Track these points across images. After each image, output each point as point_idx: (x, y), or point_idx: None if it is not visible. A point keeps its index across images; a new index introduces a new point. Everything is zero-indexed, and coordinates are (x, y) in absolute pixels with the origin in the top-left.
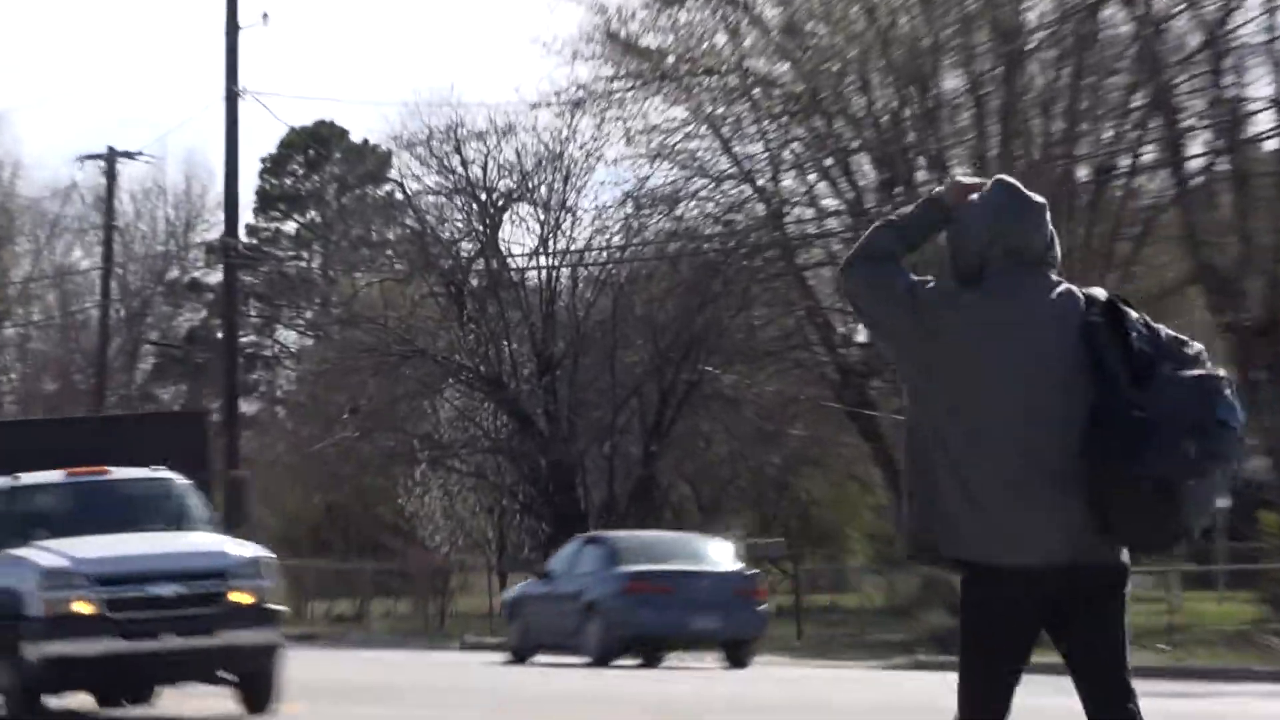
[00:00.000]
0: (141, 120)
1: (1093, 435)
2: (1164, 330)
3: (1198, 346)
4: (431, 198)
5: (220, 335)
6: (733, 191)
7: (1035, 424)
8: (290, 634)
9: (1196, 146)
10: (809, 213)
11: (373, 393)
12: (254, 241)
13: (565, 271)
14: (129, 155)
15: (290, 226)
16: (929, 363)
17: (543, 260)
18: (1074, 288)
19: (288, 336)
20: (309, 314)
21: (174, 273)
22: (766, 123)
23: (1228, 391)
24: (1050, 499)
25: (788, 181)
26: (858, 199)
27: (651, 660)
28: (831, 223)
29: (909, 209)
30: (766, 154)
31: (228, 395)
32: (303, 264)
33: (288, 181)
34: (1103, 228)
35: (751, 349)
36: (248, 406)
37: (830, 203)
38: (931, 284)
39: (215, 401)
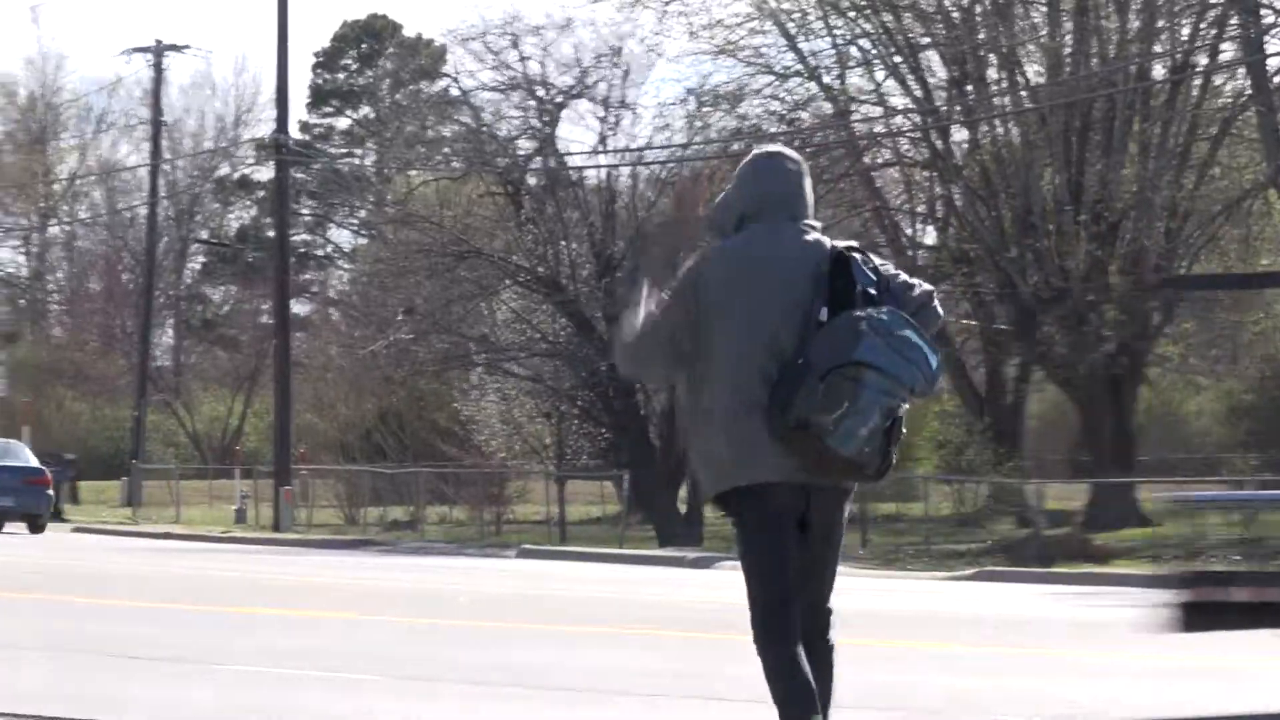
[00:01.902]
0: (190, 12)
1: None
2: (897, 274)
3: (926, 287)
4: (488, 94)
5: (271, 234)
6: (798, 89)
7: (774, 358)
8: (343, 540)
9: (1277, 44)
10: (876, 111)
11: (428, 294)
12: (306, 138)
13: (625, 170)
14: (177, 49)
15: (343, 123)
16: (697, 320)
17: (602, 159)
18: (825, 239)
19: (341, 236)
20: (362, 213)
21: (224, 169)
22: (833, 18)
23: (906, 331)
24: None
25: (855, 79)
26: (927, 97)
27: None
28: (899, 121)
29: (646, 263)
30: (833, 50)
31: (279, 296)
32: (356, 161)
33: (340, 76)
34: (1178, 127)
35: None
36: (299, 308)
37: (898, 101)
38: (690, 268)
39: (265, 303)
